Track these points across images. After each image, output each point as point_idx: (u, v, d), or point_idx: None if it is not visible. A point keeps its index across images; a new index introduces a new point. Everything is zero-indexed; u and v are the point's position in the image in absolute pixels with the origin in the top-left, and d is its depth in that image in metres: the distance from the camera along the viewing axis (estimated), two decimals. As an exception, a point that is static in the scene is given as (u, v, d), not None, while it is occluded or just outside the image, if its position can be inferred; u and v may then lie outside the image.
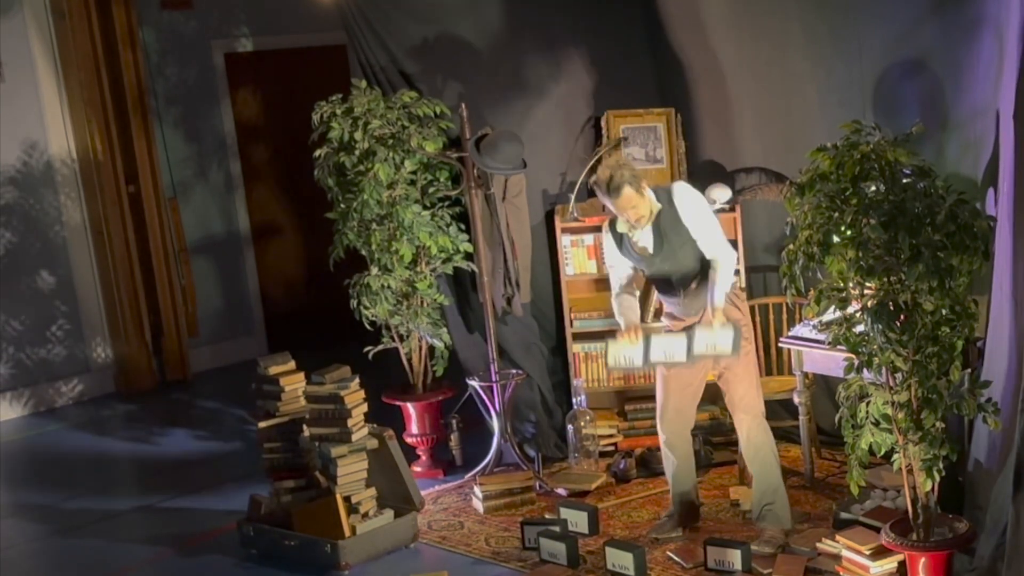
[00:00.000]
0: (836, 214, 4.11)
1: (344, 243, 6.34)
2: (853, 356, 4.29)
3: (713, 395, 5.80)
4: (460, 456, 6.52)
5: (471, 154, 5.97)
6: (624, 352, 5.18)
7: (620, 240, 5.17)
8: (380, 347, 6.45)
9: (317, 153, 6.27)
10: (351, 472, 5.37)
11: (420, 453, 6.49)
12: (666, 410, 5.29)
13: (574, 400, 6.27)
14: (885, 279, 4.11)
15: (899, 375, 4.22)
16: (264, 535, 5.57)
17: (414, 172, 6.25)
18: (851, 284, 4.18)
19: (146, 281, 8.71)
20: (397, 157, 6.14)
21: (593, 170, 6.36)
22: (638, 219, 5.01)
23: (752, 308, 5.85)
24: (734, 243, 5.98)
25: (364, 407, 5.43)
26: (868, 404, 4.29)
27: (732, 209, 6.10)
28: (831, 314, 4.34)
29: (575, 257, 6.36)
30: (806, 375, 5.68)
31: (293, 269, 9.63)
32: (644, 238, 5.10)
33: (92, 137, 8.38)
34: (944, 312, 4.10)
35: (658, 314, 6.06)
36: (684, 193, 5.07)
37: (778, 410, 6.08)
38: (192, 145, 9.03)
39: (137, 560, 5.76)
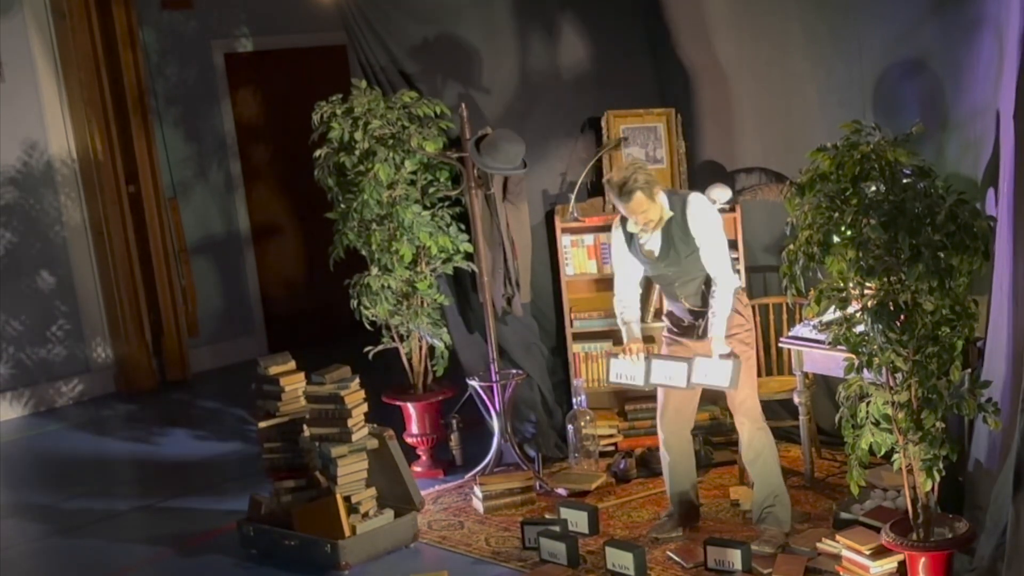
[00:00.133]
0: (836, 214, 4.11)
1: (344, 243, 6.33)
2: (853, 356, 4.29)
3: (713, 395, 5.80)
4: (460, 456, 6.52)
5: (471, 154, 5.97)
6: (626, 370, 5.23)
7: (629, 239, 5.18)
8: (380, 347, 6.45)
9: (317, 153, 6.27)
10: (351, 472, 5.36)
11: (420, 453, 6.49)
12: (666, 410, 5.30)
13: (574, 400, 6.27)
14: (885, 279, 4.11)
15: (899, 375, 4.22)
16: (264, 535, 5.57)
17: (414, 172, 6.25)
18: (851, 284, 4.18)
19: (146, 281, 8.71)
20: (397, 157, 6.14)
21: (593, 170, 6.39)
22: (647, 223, 5.03)
23: (752, 308, 5.85)
24: (734, 243, 5.99)
25: (364, 407, 5.43)
26: (868, 404, 4.29)
27: (732, 209, 6.10)
28: (831, 314, 4.34)
29: (575, 257, 6.36)
30: (806, 375, 5.69)
31: (293, 269, 9.63)
32: (652, 242, 5.12)
33: (92, 137, 8.38)
34: (944, 312, 4.09)
35: (658, 314, 6.07)
36: (698, 207, 5.07)
37: (778, 410, 6.09)
38: (192, 145, 9.04)
39: (137, 560, 5.76)
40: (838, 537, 4.83)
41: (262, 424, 5.62)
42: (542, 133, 6.45)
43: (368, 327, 6.43)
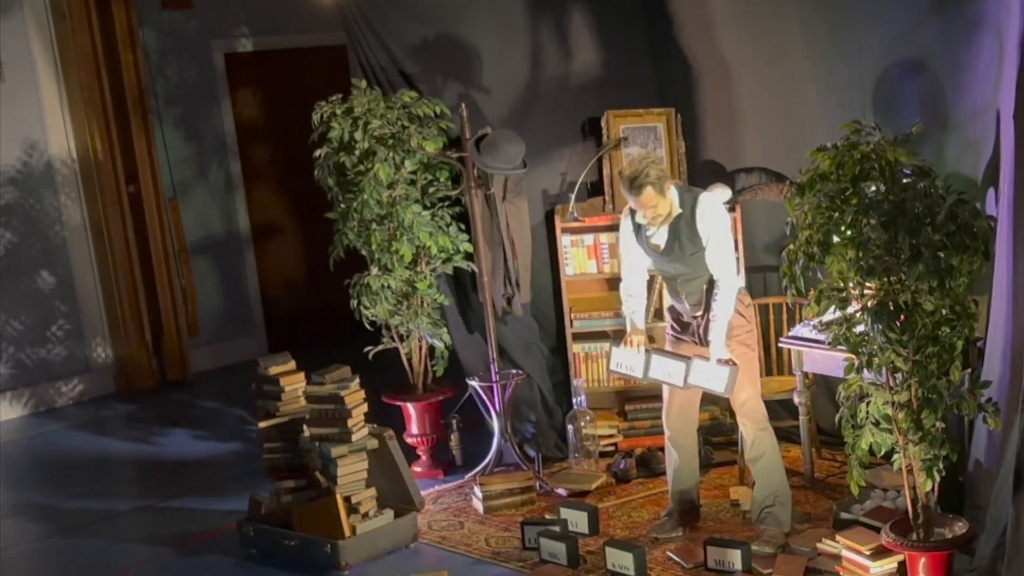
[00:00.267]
0: (836, 214, 4.11)
1: (344, 243, 6.33)
2: (853, 356, 4.29)
3: (714, 396, 5.79)
4: (460, 456, 6.52)
5: (471, 154, 5.97)
6: (626, 360, 5.25)
7: (637, 229, 5.19)
8: (380, 347, 6.45)
9: (317, 153, 6.27)
10: (351, 472, 5.36)
11: (420, 453, 6.49)
12: (671, 408, 5.32)
13: (574, 400, 6.27)
14: (885, 279, 4.11)
15: (899, 375, 4.22)
16: (264, 535, 5.57)
17: (414, 172, 6.25)
18: (851, 284, 4.18)
19: (146, 281, 8.71)
20: (397, 157, 6.14)
21: (593, 170, 6.39)
22: (655, 217, 5.04)
23: (754, 308, 5.85)
24: (734, 243, 5.98)
25: (364, 407, 5.43)
26: (868, 404, 4.29)
27: (732, 209, 6.08)
28: (831, 314, 4.34)
29: (575, 257, 6.36)
30: (806, 375, 5.68)
31: (293, 269, 9.63)
32: (659, 236, 5.13)
33: (92, 137, 8.38)
34: (944, 312, 4.09)
35: (658, 314, 6.07)
36: (708, 207, 5.06)
37: (778, 410, 6.08)
38: (192, 145, 9.03)
39: (137, 560, 5.76)
40: (838, 537, 4.82)
41: (262, 424, 5.62)
42: (542, 133, 6.45)
43: (368, 327, 6.43)
